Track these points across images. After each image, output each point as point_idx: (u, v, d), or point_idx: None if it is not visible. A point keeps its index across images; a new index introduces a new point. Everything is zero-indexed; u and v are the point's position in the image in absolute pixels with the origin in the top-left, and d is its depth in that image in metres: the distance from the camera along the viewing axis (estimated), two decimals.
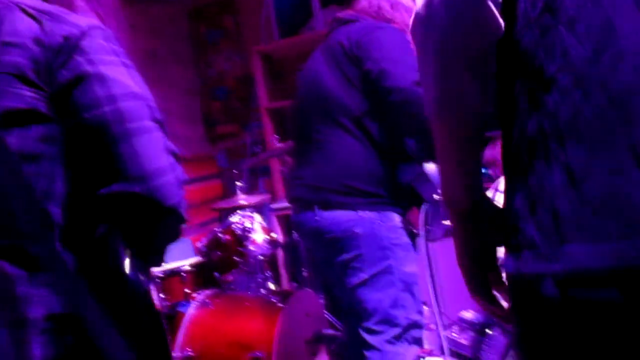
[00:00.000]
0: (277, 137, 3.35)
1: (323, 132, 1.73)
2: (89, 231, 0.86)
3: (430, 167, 1.66)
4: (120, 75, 0.82)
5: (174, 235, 0.95)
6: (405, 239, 1.70)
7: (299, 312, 2.48)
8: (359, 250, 1.66)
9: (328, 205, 1.67)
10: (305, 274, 3.03)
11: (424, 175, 1.65)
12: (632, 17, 0.55)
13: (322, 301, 3.14)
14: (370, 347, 1.68)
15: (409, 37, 1.67)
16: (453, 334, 2.85)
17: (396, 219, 1.70)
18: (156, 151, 0.84)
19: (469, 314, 2.60)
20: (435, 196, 1.66)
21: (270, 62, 3.94)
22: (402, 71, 1.55)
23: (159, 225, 0.87)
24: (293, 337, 2.34)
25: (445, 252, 3.25)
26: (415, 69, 1.50)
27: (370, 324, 1.69)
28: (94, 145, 0.80)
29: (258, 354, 2.15)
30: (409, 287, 1.69)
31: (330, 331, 2.59)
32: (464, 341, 2.61)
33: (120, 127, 0.80)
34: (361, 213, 1.64)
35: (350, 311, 1.77)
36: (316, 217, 1.70)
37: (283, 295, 2.46)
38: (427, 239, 1.75)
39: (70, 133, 0.81)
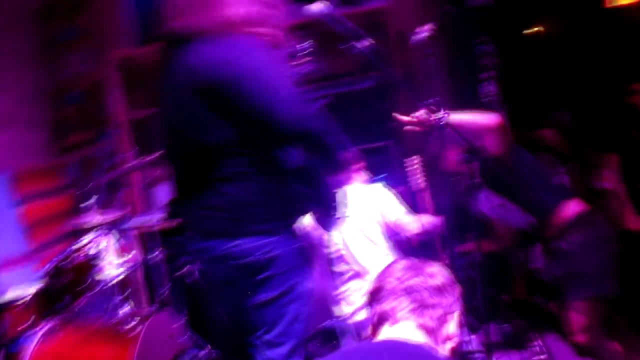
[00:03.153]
0: (137, 148, 3.22)
1: (217, 164, 1.69)
2: None
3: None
4: None
5: None
6: (306, 257, 1.78)
7: (160, 334, 2.41)
8: (273, 271, 1.70)
9: (249, 234, 1.68)
10: (166, 293, 2.94)
11: None
12: None
13: (184, 320, 3.07)
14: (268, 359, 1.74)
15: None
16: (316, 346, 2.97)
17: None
18: None
19: (328, 325, 2.73)
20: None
21: (130, 68, 3.78)
22: (286, 107, 1.53)
23: None
24: None
25: None
26: (295, 96, 1.53)
27: (271, 337, 1.74)
28: None
29: None
30: (307, 302, 1.77)
31: (194, 351, 2.56)
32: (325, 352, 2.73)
33: None
34: (279, 237, 1.69)
35: (250, 327, 1.79)
36: (234, 244, 1.69)
37: (142, 318, 2.36)
38: None
39: None
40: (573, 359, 2.76)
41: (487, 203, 2.60)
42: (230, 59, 1.57)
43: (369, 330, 1.28)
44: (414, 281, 1.23)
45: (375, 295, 1.26)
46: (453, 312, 1.24)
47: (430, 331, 1.20)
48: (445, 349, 1.21)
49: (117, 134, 3.78)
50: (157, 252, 3.04)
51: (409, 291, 1.22)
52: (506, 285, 3.55)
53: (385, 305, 1.23)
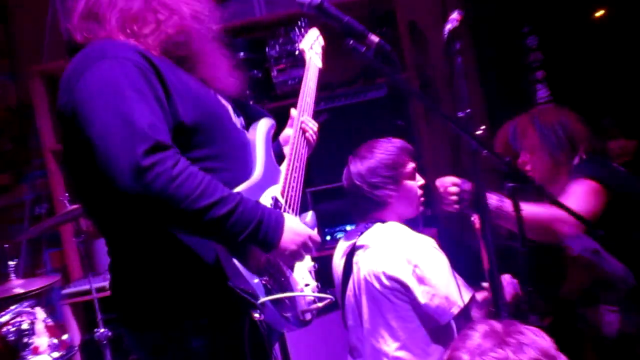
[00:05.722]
0: (72, 191, 3.22)
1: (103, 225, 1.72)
2: None
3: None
4: None
5: None
6: None
7: None
8: None
9: (135, 326, 1.71)
10: None
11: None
12: None
13: None
14: None
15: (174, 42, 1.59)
16: None
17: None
18: None
19: None
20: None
21: (57, 86, 3.81)
22: (113, 154, 1.40)
23: None
24: None
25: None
26: (136, 134, 1.40)
27: None
28: None
29: None
30: None
31: None
32: None
33: None
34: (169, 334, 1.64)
35: None
36: (127, 337, 1.76)
37: None
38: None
39: None
40: None
41: (579, 244, 2.55)
42: (68, 78, 1.55)
43: None
44: (494, 356, 1.22)
45: None
46: None
47: None
48: None
49: (44, 174, 3.78)
50: (100, 331, 3.01)
51: None
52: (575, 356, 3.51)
53: None
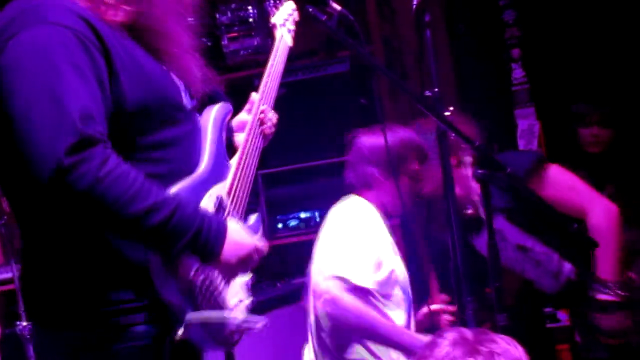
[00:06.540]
0: None
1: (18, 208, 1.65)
2: None
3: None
4: None
5: None
6: None
7: None
8: None
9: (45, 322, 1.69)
10: None
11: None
12: None
13: None
14: None
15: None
16: None
17: None
18: None
19: None
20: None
21: None
22: (34, 140, 1.37)
23: None
24: None
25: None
26: (64, 123, 1.36)
27: None
28: None
29: None
30: None
31: None
32: None
33: None
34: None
35: None
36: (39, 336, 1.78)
37: None
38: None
39: None
40: None
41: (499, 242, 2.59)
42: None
43: None
44: None
45: None
46: None
47: None
48: None
49: None
50: (22, 324, 2.96)
51: None
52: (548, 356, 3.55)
53: None
